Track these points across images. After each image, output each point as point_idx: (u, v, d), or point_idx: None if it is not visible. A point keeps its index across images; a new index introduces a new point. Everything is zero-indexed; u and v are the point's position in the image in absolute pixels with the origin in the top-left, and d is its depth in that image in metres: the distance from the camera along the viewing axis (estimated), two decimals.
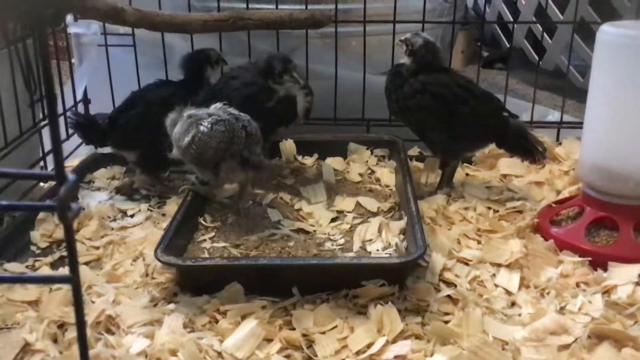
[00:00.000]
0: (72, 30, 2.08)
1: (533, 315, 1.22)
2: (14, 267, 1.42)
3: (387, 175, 1.81)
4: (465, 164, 1.90)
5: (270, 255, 1.39)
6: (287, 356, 1.13)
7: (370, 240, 1.45)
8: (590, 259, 1.38)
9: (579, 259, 1.39)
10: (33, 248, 1.52)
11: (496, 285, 1.33)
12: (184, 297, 1.28)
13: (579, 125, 1.79)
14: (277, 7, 1.90)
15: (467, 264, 1.39)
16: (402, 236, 1.45)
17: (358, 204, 1.64)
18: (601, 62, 1.43)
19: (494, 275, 1.36)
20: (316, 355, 1.13)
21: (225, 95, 1.66)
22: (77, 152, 2.02)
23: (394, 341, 1.15)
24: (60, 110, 1.91)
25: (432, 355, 1.11)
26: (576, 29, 2.17)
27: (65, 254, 1.42)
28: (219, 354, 1.12)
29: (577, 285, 1.33)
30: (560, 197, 1.68)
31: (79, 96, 2.02)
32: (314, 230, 1.52)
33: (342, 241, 1.47)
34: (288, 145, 1.92)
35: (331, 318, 1.20)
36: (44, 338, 1.15)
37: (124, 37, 2.02)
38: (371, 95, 1.97)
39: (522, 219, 1.57)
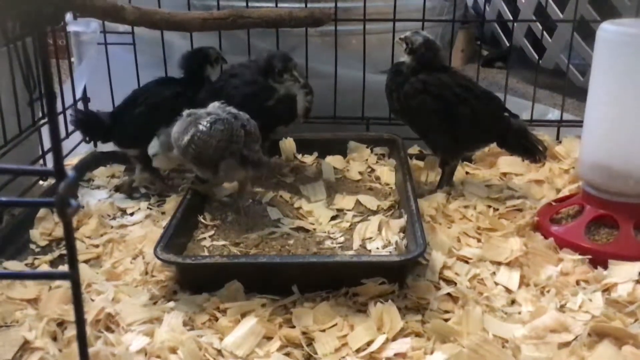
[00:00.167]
0: (71, 28, 2.07)
1: (533, 313, 1.21)
2: (14, 265, 1.42)
3: (387, 173, 1.81)
4: (465, 163, 1.90)
5: (270, 254, 1.39)
6: (287, 354, 1.13)
7: (370, 238, 1.45)
8: (590, 257, 1.38)
9: (579, 257, 1.39)
10: (32, 246, 1.52)
11: (496, 284, 1.33)
12: (184, 295, 1.28)
13: (579, 123, 1.79)
14: (276, 5, 1.89)
15: (467, 262, 1.39)
16: (402, 234, 1.45)
17: (358, 202, 1.64)
18: (601, 61, 1.43)
19: (494, 273, 1.36)
20: (316, 353, 1.12)
21: (225, 94, 1.66)
22: (76, 150, 2.02)
23: (394, 339, 1.15)
24: (59, 108, 1.91)
25: (432, 353, 1.11)
26: (576, 28, 2.17)
27: (64, 252, 1.42)
28: (219, 352, 1.12)
29: (577, 283, 1.33)
30: (560, 195, 1.68)
31: (79, 95, 2.02)
32: (314, 229, 1.51)
33: (342, 239, 1.47)
34: (288, 144, 1.92)
35: (331, 316, 1.20)
36: (43, 336, 1.15)
37: (123, 36, 2.01)
38: (371, 94, 1.97)
39: (522, 217, 1.57)
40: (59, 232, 1.53)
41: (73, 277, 0.53)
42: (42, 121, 1.84)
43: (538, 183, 1.78)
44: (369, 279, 1.26)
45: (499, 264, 1.38)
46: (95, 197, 1.76)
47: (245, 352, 1.11)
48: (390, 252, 1.39)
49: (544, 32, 2.79)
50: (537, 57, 2.53)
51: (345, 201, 1.64)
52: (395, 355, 1.11)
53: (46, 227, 1.56)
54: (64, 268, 1.39)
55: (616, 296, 1.25)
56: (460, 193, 1.71)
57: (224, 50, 1.90)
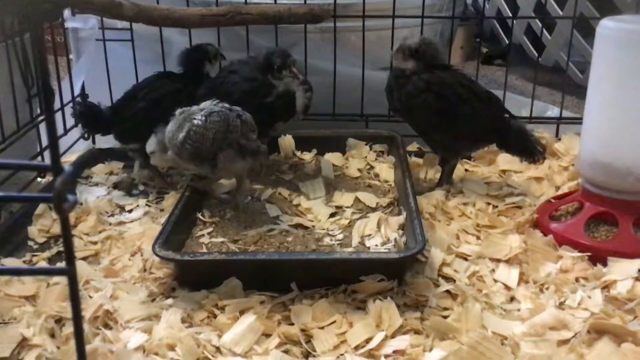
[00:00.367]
0: (69, 24, 2.06)
1: (532, 311, 1.21)
2: (11, 263, 1.41)
3: (386, 170, 1.81)
4: (464, 160, 1.90)
5: (269, 251, 1.39)
6: (285, 351, 1.12)
7: (369, 235, 1.45)
8: (589, 254, 1.38)
9: (578, 254, 1.39)
10: (30, 243, 1.51)
11: (495, 281, 1.33)
12: (182, 292, 1.27)
13: (578, 120, 1.79)
14: (275, 2, 1.89)
15: (466, 259, 1.39)
16: (401, 231, 1.45)
17: (357, 200, 1.64)
18: (601, 57, 1.42)
19: (493, 270, 1.36)
20: (315, 350, 1.12)
21: (224, 90, 1.66)
22: (74, 147, 2.02)
23: (393, 336, 1.15)
24: (57, 105, 1.90)
25: (431, 350, 1.11)
26: (575, 25, 2.16)
27: (63, 249, 1.41)
28: (217, 349, 1.12)
29: (577, 280, 1.32)
30: (560, 192, 1.68)
31: (77, 91, 2.01)
32: (313, 226, 1.51)
33: (340, 236, 1.46)
34: (287, 141, 1.92)
35: (330, 313, 1.20)
36: (41, 333, 1.14)
37: (121, 32, 2.01)
38: (370, 91, 1.96)
39: (522, 215, 1.57)
40: (57, 229, 1.53)
41: (70, 272, 0.52)
42: (40, 118, 1.83)
43: (537, 180, 1.78)
44: (368, 276, 1.26)
45: (498, 261, 1.38)
46: (93, 194, 1.75)
47: (243, 349, 1.11)
48: (389, 249, 1.39)
49: (544, 30, 2.79)
50: (536, 55, 2.53)
51: (344, 198, 1.64)
52: (394, 352, 1.11)
53: (44, 224, 1.56)
54: (62, 265, 1.38)
55: (615, 293, 1.25)
56: (460, 190, 1.70)
57: (222, 46, 1.90)
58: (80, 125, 1.87)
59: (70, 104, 1.89)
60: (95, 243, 1.49)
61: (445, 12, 2.36)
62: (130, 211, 1.67)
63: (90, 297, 1.26)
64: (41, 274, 1.23)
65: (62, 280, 1.27)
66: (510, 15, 2.82)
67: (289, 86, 1.68)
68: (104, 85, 2.02)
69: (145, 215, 1.63)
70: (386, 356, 1.10)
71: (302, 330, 1.16)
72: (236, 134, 1.45)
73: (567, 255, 1.39)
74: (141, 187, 1.79)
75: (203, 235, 1.46)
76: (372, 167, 1.85)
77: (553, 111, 2.24)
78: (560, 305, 1.24)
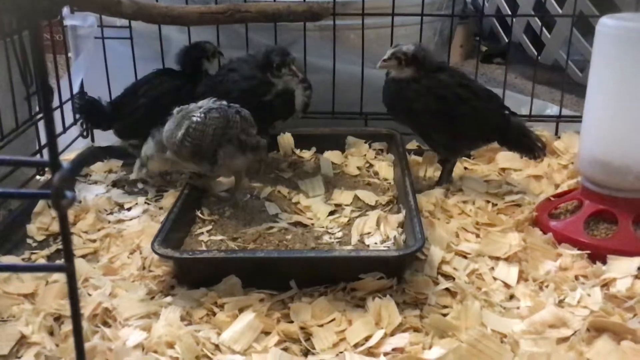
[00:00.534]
0: (68, 22, 2.06)
1: (532, 308, 1.21)
2: (10, 260, 1.41)
3: (385, 168, 1.80)
4: (464, 158, 1.90)
5: (268, 248, 1.39)
6: (285, 349, 1.12)
7: (369, 233, 1.45)
8: (589, 252, 1.38)
9: (577, 252, 1.38)
10: (29, 241, 1.51)
11: (495, 279, 1.33)
12: (181, 290, 1.27)
13: (577, 119, 1.79)
14: (274, 0, 1.89)
15: (465, 257, 1.39)
16: (400, 229, 1.45)
17: (356, 197, 1.64)
18: (601, 55, 1.42)
19: (492, 268, 1.36)
20: (314, 348, 1.12)
21: (224, 88, 1.65)
22: (73, 146, 2.01)
23: (392, 334, 1.14)
24: (56, 103, 1.90)
25: (430, 348, 1.11)
26: (575, 24, 2.16)
27: (61, 246, 1.41)
28: (216, 346, 1.12)
29: (576, 278, 1.32)
30: (559, 190, 1.68)
31: (76, 89, 2.01)
32: (312, 224, 1.51)
33: (340, 234, 1.46)
34: (286, 139, 1.92)
35: (329, 311, 1.20)
36: (40, 331, 1.14)
37: (120, 30, 2.01)
38: (369, 89, 1.96)
39: (521, 213, 1.57)
40: (56, 226, 1.52)
41: (69, 270, 0.52)
42: (39, 116, 1.83)
43: (537, 178, 1.78)
44: (367, 274, 1.25)
45: (498, 259, 1.38)
46: (92, 192, 1.75)
47: (242, 347, 1.11)
48: (388, 247, 1.39)
49: (543, 28, 2.79)
50: (536, 53, 2.52)
51: (343, 196, 1.64)
52: (394, 350, 1.11)
53: (43, 222, 1.56)
54: (60, 262, 1.38)
55: (615, 291, 1.25)
56: (459, 188, 1.70)
57: (221, 44, 1.90)
58: (79, 123, 1.87)
59: (70, 101, 1.89)
60: (94, 241, 1.48)
61: (444, 10, 2.35)
62: (129, 209, 1.66)
63: (89, 294, 1.25)
64: (39, 271, 1.23)
65: (61, 277, 1.26)
66: (510, 13, 2.82)
67: (288, 84, 1.68)
68: (103, 83, 2.02)
69: (144, 213, 1.63)
70: (385, 354, 1.10)
71: (302, 328, 1.16)
72: (236, 130, 1.45)
73: (567, 253, 1.38)
74: (140, 185, 1.78)
75: (202, 233, 1.46)
76: (371, 165, 1.85)
77: (552, 109, 2.24)
78: (560, 303, 1.24)
